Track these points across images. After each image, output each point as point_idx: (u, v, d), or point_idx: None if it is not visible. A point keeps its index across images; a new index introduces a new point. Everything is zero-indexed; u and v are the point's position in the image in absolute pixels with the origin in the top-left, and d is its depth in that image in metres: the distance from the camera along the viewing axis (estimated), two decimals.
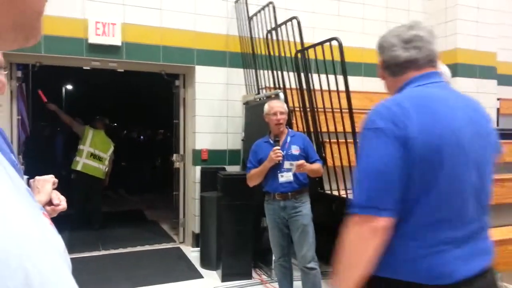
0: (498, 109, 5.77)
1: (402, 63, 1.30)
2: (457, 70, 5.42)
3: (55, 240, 0.33)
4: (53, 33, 4.14)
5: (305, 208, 3.01)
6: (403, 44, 1.30)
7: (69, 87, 12.46)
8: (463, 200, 1.21)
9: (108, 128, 6.56)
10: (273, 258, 3.26)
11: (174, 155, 5.23)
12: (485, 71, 5.60)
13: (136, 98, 10.49)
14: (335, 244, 1.26)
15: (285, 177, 2.99)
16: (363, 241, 1.17)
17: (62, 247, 0.35)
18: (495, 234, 3.28)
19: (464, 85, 5.45)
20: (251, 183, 3.15)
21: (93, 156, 5.74)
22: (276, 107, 3.11)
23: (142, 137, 12.00)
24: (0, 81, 1.25)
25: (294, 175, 2.98)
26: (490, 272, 1.26)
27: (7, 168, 0.33)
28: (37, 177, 1.37)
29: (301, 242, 2.97)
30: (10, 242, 0.28)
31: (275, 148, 2.94)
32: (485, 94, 5.57)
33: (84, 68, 4.74)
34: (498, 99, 5.76)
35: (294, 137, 3.14)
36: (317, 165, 3.06)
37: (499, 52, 5.75)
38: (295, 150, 3.04)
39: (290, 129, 3.23)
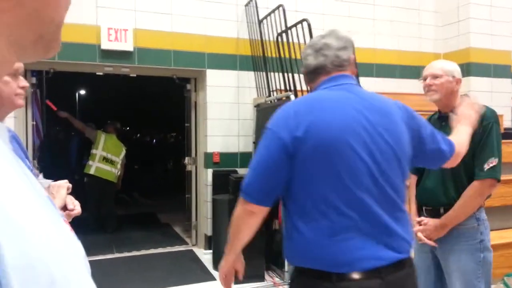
0: None
1: (314, 69, 1.45)
2: (470, 69, 5.35)
3: (77, 246, 0.34)
4: (66, 40, 4.20)
5: None
6: (314, 53, 1.45)
7: (83, 92, 12.63)
8: (359, 191, 1.28)
9: (120, 132, 6.64)
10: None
11: (186, 158, 5.26)
12: (499, 70, 5.52)
13: (148, 102, 10.58)
14: None
15: None
16: (242, 219, 1.41)
17: (83, 253, 0.36)
18: (504, 236, 3.24)
19: (478, 84, 5.38)
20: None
21: (106, 159, 5.81)
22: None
23: (154, 140, 12.10)
24: (24, 86, 1.28)
25: None
26: (406, 265, 1.32)
27: (29, 176, 0.34)
28: (51, 183, 1.40)
29: None
30: (37, 248, 0.29)
31: None
32: (499, 93, 5.50)
33: (97, 74, 4.80)
34: None
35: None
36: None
37: None
38: None
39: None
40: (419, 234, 2.10)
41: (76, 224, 1.25)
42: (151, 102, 10.57)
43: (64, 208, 1.35)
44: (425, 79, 2.14)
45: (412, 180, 2.29)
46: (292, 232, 1.35)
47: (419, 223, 2.12)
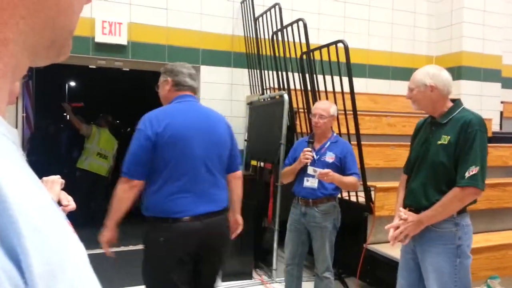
0: (501, 112, 5.76)
1: (185, 86, 2.17)
2: (461, 72, 5.41)
3: (81, 249, 0.35)
4: None
5: (327, 220, 2.84)
6: (189, 76, 2.20)
7: (74, 84, 12.50)
8: (193, 168, 2.04)
9: (112, 125, 6.58)
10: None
11: None
12: (490, 74, 5.59)
13: (141, 96, 10.51)
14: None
15: (310, 182, 2.83)
16: (124, 193, 2.02)
17: (86, 255, 0.36)
18: (496, 238, 3.29)
19: (468, 88, 5.44)
20: (284, 180, 3.09)
21: (99, 154, 5.77)
22: (318, 108, 2.90)
23: None
24: (13, 91, 1.26)
25: (320, 182, 2.80)
26: (219, 214, 2.11)
27: (36, 178, 0.34)
28: (44, 178, 1.38)
29: (318, 252, 2.90)
30: (58, 254, 0.29)
31: (305, 149, 2.80)
32: (488, 97, 5.57)
33: (90, 67, 4.76)
34: (501, 102, 5.75)
35: (335, 144, 2.91)
36: (351, 179, 2.79)
37: (503, 55, 5.74)
38: (329, 157, 2.83)
39: (335, 134, 3.00)
40: (396, 232, 2.11)
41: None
42: (144, 96, 10.50)
43: (58, 204, 1.34)
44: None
45: (401, 179, 2.32)
46: (149, 193, 2.04)
47: (400, 217, 2.16)
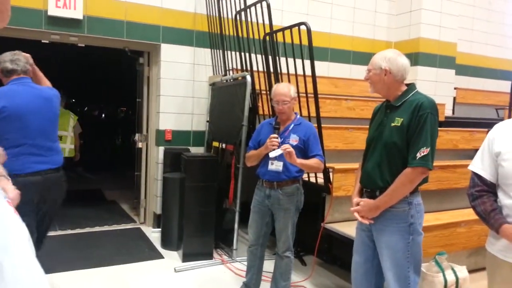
0: (454, 98, 6.01)
1: (10, 71, 2.67)
2: (418, 59, 5.58)
3: (22, 229, 0.33)
4: None
5: (290, 202, 2.88)
6: (10, 61, 2.68)
7: None
8: (33, 136, 2.62)
9: (66, 104, 6.31)
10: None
11: (137, 134, 5.11)
12: (445, 61, 5.80)
13: (98, 74, 10.12)
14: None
15: (275, 165, 2.84)
16: None
17: (27, 236, 0.34)
18: (444, 217, 3.47)
19: (425, 74, 5.63)
20: (248, 163, 3.06)
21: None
22: (279, 95, 2.87)
23: (103, 115, 11.67)
24: None
25: (285, 166, 2.82)
26: (55, 171, 2.74)
27: None
28: None
29: (280, 232, 2.94)
30: None
31: (271, 136, 2.76)
32: (443, 83, 5.79)
33: (43, 41, 4.50)
34: (455, 88, 6.00)
35: (299, 126, 2.91)
36: (313, 161, 2.81)
37: (458, 43, 5.96)
38: (293, 139, 2.84)
39: (298, 116, 3.00)
40: (355, 214, 2.23)
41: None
42: (100, 74, 10.12)
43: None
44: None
45: (361, 162, 2.38)
46: (9, 155, 2.28)
47: (357, 203, 2.24)
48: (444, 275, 2.76)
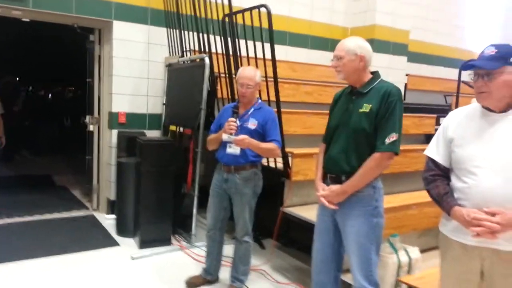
0: (405, 84, 6.22)
1: None
2: (373, 45, 5.63)
3: None
4: None
5: (247, 187, 2.86)
6: None
7: None
8: None
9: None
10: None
11: (88, 117, 4.87)
12: (398, 48, 5.96)
13: (44, 52, 9.51)
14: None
15: (233, 149, 2.81)
16: None
17: None
18: (396, 200, 3.61)
19: (379, 61, 5.75)
20: (209, 147, 3.00)
21: None
22: (244, 78, 2.84)
23: (50, 95, 11.06)
24: None
25: (242, 149, 2.80)
26: None
27: None
28: None
29: (238, 217, 2.93)
30: None
31: (229, 119, 2.74)
32: (395, 70, 5.96)
33: None
34: (406, 75, 6.20)
35: (259, 111, 2.89)
36: (269, 145, 2.80)
37: (411, 31, 6.14)
38: (252, 124, 2.82)
39: (260, 101, 2.97)
40: (322, 199, 2.25)
41: None
42: (46, 51, 9.51)
43: None
44: (332, 60, 2.23)
45: (321, 147, 2.40)
46: None
47: (323, 189, 2.26)
48: (397, 256, 2.87)
